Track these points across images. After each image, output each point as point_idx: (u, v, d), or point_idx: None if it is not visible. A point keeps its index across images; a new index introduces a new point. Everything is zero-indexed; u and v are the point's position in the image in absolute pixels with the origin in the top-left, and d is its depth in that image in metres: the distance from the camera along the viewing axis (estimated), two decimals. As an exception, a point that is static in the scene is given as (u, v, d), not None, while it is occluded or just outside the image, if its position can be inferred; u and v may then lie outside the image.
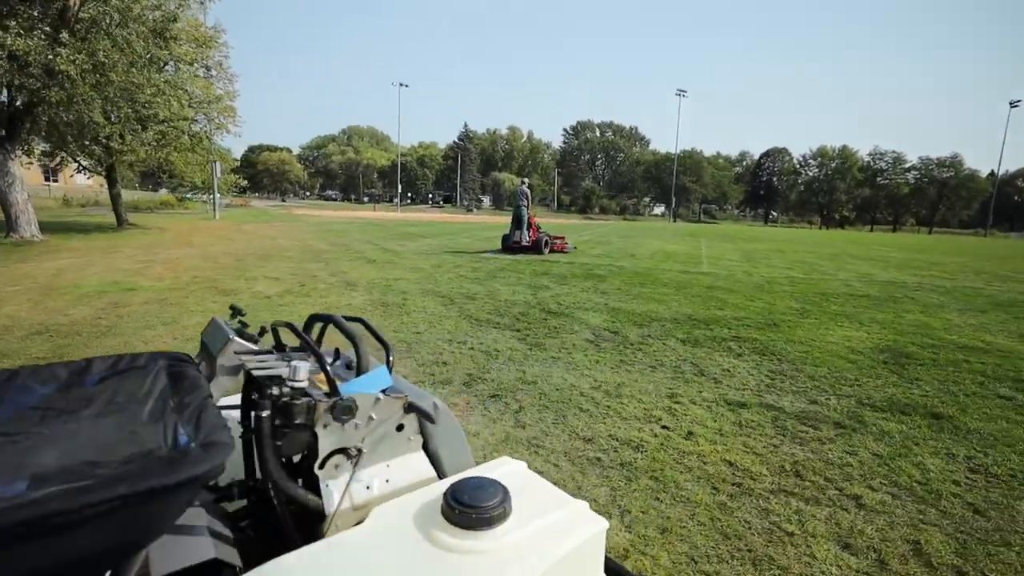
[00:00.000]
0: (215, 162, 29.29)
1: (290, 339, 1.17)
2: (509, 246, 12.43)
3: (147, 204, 36.47)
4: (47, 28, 11.07)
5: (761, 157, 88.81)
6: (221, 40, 18.87)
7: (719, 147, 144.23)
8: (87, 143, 14.37)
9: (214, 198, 28.70)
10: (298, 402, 0.87)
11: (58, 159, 16.79)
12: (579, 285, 7.71)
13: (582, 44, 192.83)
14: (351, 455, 0.91)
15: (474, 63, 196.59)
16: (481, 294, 6.82)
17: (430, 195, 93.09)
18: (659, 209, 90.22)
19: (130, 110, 14.59)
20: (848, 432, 3.00)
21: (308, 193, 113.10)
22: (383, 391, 0.95)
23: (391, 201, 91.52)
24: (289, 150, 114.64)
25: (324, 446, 0.89)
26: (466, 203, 78.92)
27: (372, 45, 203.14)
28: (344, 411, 0.88)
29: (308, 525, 0.88)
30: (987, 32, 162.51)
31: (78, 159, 16.71)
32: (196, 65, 18.27)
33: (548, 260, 10.96)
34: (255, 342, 1.11)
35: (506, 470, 0.92)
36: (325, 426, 0.89)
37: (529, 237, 12.25)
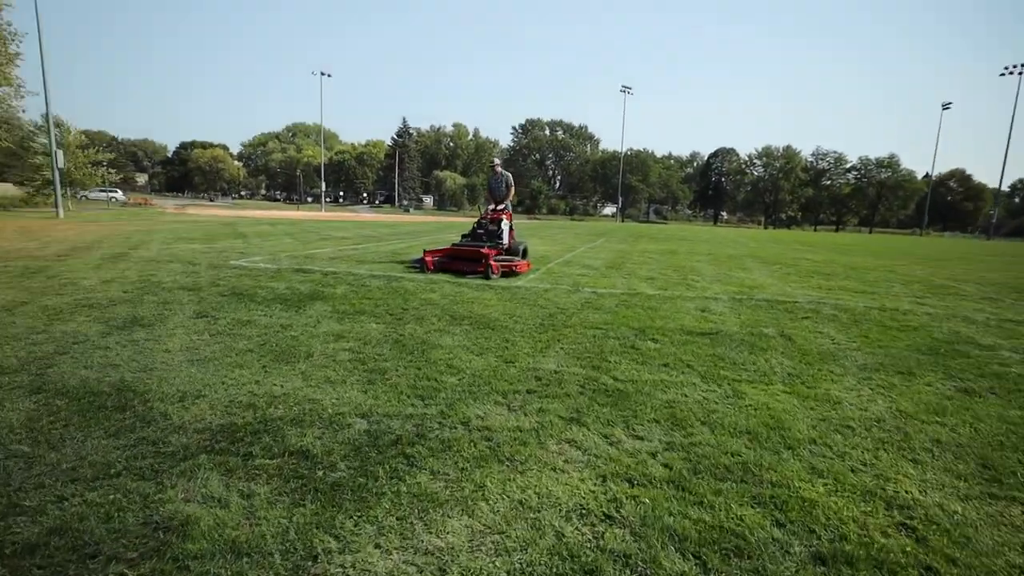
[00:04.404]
0: (57, 150, 25.19)
1: None
2: None
3: (-2, 200, 31.33)
4: None
5: (710, 157, 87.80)
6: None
7: (672, 148, 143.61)
8: None
9: (55, 191, 24.39)
10: None
11: None
12: (259, 311, 4.23)
13: (538, 39, 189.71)
14: None
15: (429, 59, 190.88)
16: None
17: (365, 195, 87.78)
18: (609, 209, 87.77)
19: None
20: None
21: (244, 193, 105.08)
22: None
23: (337, 201, 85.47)
24: (225, 147, 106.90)
25: None
26: (404, 203, 74.33)
27: (340, 41, 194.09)
28: None
29: None
30: (924, 33, 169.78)
31: None
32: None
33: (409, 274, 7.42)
34: None
35: None
36: None
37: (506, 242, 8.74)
